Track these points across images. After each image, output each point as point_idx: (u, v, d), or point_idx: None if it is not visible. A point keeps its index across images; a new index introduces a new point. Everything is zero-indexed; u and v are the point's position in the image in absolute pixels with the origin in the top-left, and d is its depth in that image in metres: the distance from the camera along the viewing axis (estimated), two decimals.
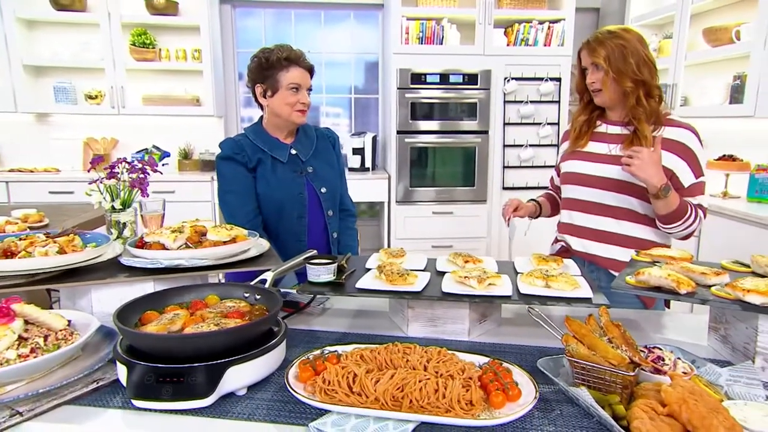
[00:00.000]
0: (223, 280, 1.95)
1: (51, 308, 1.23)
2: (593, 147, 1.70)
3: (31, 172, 4.11)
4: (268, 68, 1.79)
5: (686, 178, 1.58)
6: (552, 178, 2.02)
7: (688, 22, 3.54)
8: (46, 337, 1.00)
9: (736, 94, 3.21)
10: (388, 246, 3.93)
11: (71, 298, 1.23)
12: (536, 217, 1.90)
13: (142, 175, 1.39)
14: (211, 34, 4.14)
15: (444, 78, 4.07)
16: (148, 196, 1.44)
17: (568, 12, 4.12)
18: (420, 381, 0.91)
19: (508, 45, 4.16)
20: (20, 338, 0.97)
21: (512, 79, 4.07)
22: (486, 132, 4.17)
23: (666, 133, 1.58)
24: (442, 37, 4.10)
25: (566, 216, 1.78)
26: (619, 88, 1.58)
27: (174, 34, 4.27)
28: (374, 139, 4.44)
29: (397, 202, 4.20)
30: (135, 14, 4.08)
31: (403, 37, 4.03)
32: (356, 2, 4.55)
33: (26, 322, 1.02)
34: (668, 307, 1.70)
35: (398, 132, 4.11)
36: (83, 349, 1.07)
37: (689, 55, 3.56)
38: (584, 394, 0.85)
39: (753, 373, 0.90)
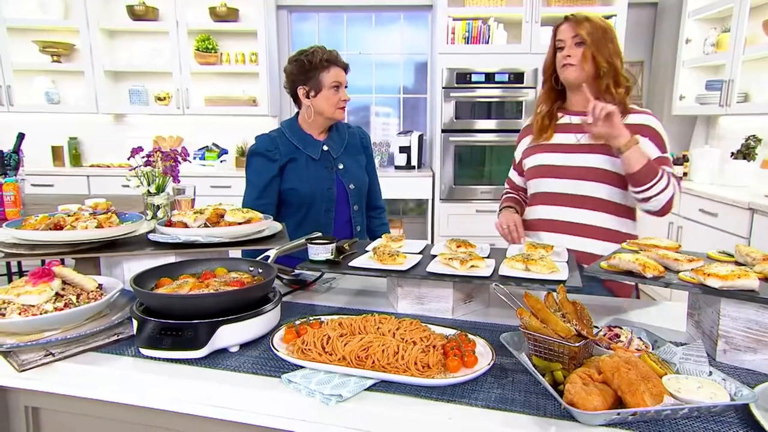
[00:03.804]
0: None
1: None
2: (559, 138, 1.70)
3: (108, 167, 4.54)
4: (311, 70, 1.90)
5: (651, 152, 1.58)
6: (510, 178, 1.96)
7: (747, 15, 3.38)
8: (78, 296, 1.18)
9: None
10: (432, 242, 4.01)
11: (109, 267, 1.43)
12: None
13: (173, 164, 1.57)
14: (267, 38, 4.40)
15: (489, 77, 4.10)
16: (179, 182, 1.62)
17: (621, 8, 4.03)
18: (383, 344, 1.01)
19: None
20: (57, 295, 1.16)
21: None
22: None
23: (629, 119, 1.62)
24: (489, 36, 4.13)
25: (536, 211, 1.74)
26: (594, 67, 1.59)
27: (234, 38, 4.57)
28: (421, 137, 4.53)
29: (441, 199, 4.27)
30: (200, 21, 4.42)
31: (449, 37, 4.10)
32: (406, 4, 4.67)
33: (64, 282, 1.21)
34: (638, 297, 1.68)
35: (443, 131, 4.18)
36: (111, 309, 1.25)
37: (748, 50, 3.40)
38: (524, 358, 0.92)
39: (701, 352, 0.93)
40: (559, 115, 1.74)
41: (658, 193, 1.52)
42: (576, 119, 1.69)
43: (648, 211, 1.61)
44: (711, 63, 3.85)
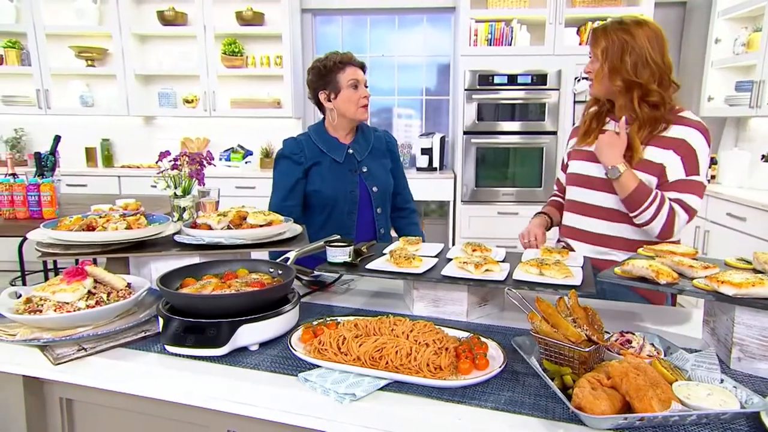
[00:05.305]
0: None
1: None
2: None
3: (138, 168, 4.68)
4: (327, 73, 1.97)
5: (674, 173, 1.50)
6: (558, 179, 1.94)
7: None
8: (109, 294, 1.24)
9: None
10: (453, 244, 4.03)
11: (137, 266, 1.49)
12: (548, 230, 1.83)
13: (199, 167, 1.63)
14: (291, 41, 4.47)
15: (512, 79, 4.09)
16: (204, 185, 1.67)
17: (647, 8, 3.98)
18: (396, 346, 1.04)
19: (580, 44, 4.09)
20: (89, 293, 1.22)
21: (583, 78, 4.00)
22: (555, 133, 4.12)
23: (671, 132, 1.52)
24: (512, 38, 4.12)
25: (569, 219, 1.72)
26: (610, 85, 1.53)
27: (259, 42, 4.66)
28: (443, 139, 4.54)
29: (462, 201, 4.28)
30: (226, 25, 4.51)
31: (471, 39, 4.11)
32: (429, 6, 4.69)
33: (96, 281, 1.27)
34: (674, 305, 1.65)
35: (465, 132, 4.18)
36: (138, 307, 1.31)
37: None
38: (533, 361, 0.93)
39: (713, 359, 0.93)
40: (607, 120, 1.68)
41: (650, 219, 1.48)
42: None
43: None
44: (741, 63, 3.77)
